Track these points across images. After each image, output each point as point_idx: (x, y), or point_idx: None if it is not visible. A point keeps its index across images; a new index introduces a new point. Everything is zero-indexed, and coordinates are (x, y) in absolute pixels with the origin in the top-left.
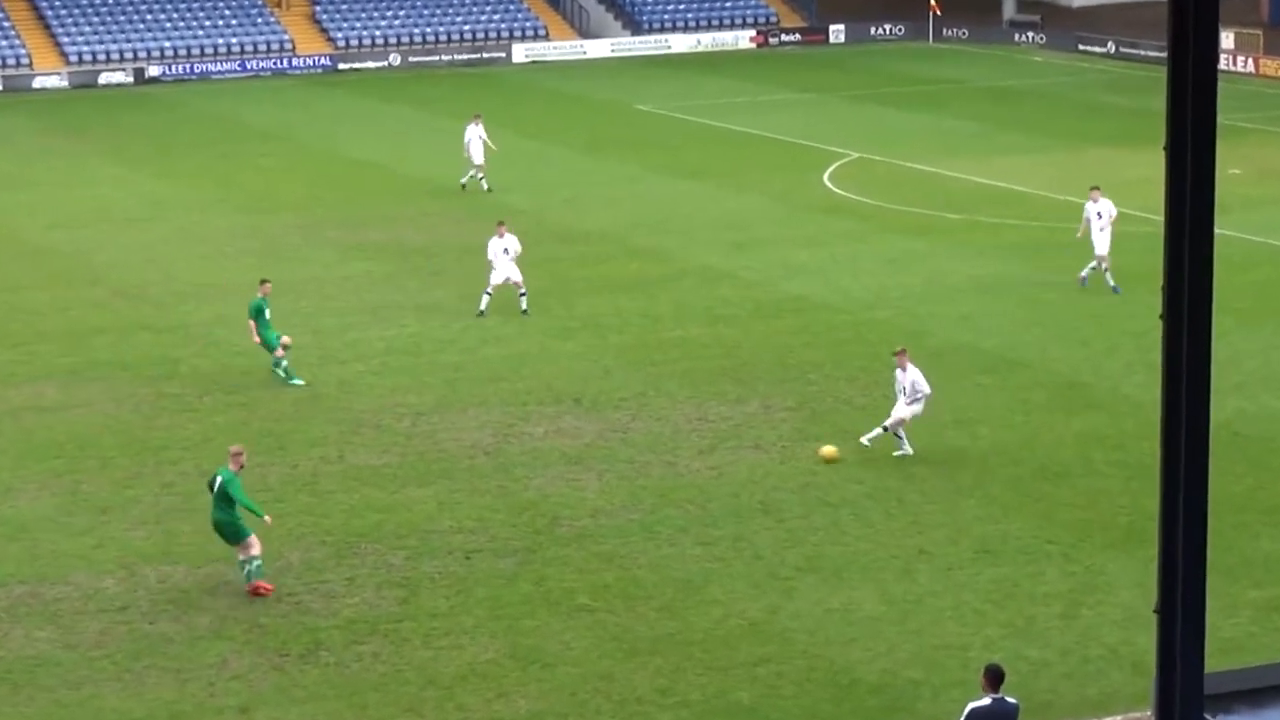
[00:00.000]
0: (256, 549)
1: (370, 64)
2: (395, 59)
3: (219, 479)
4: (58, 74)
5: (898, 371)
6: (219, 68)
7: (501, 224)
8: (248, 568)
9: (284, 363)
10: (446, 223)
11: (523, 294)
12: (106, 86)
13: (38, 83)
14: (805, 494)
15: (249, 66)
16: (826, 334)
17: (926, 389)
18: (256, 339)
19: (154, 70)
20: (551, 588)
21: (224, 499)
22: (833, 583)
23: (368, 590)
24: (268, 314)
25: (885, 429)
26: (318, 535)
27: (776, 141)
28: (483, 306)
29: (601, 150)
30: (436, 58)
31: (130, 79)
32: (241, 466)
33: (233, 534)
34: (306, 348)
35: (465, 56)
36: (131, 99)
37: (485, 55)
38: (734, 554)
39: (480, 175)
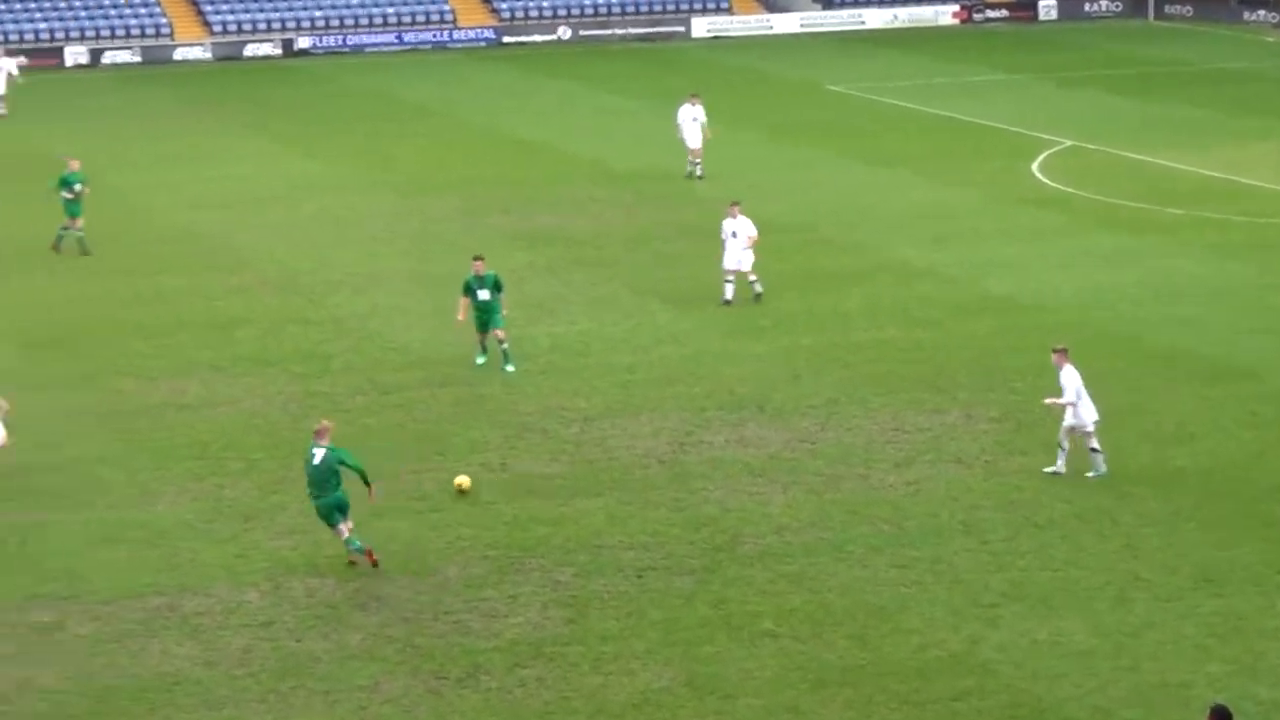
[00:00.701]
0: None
1: (537, 37)
2: (564, 32)
3: (323, 454)
4: (200, 45)
5: (1060, 372)
6: (374, 40)
7: (736, 204)
8: (352, 543)
9: (505, 345)
10: (616, 209)
11: (753, 280)
12: (252, 59)
13: (179, 54)
14: (1010, 513)
15: (406, 39)
16: (1034, 337)
17: (1069, 396)
18: (462, 316)
19: (304, 42)
20: (732, 611)
21: (329, 477)
22: (1040, 611)
23: (532, 610)
24: (482, 294)
25: (1062, 446)
26: (478, 549)
27: (981, 127)
28: (728, 295)
29: (789, 134)
30: (609, 31)
31: (278, 51)
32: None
33: (341, 511)
34: (465, 345)
35: (640, 30)
36: (279, 72)
37: (662, 29)
38: (932, 578)
39: (696, 161)
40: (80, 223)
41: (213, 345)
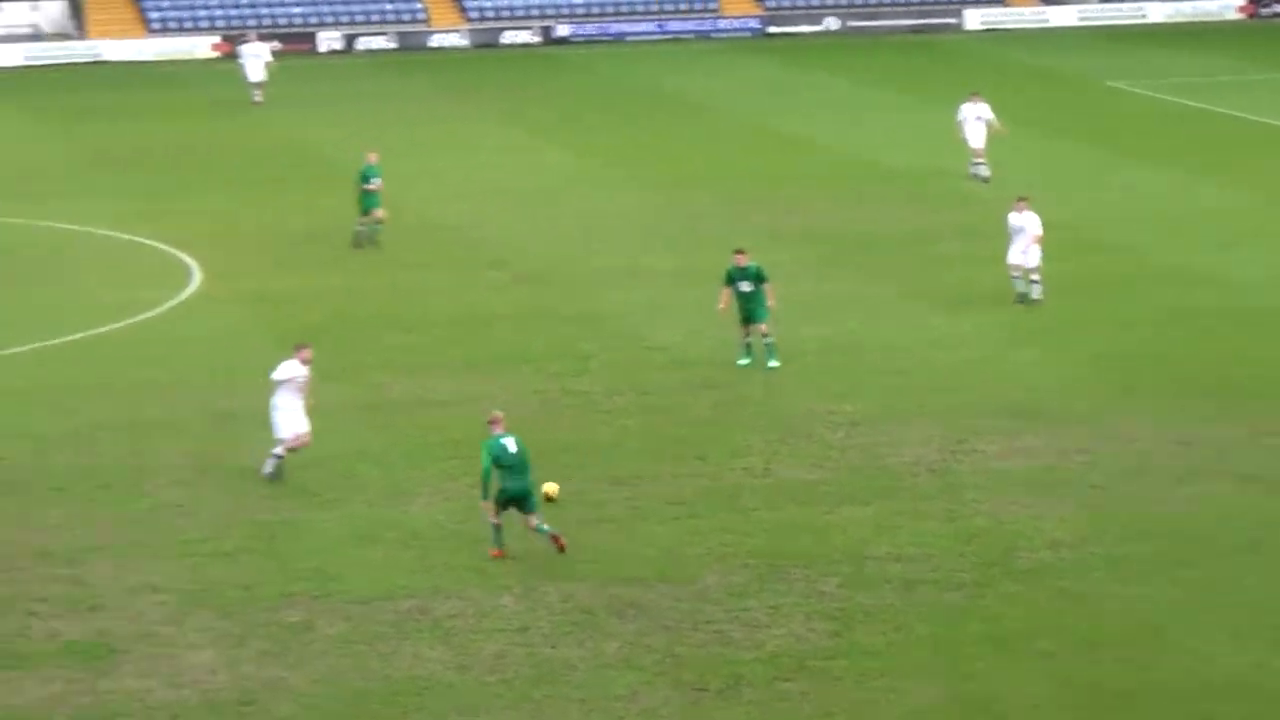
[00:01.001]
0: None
1: (804, 28)
2: (832, 23)
3: (511, 444)
4: (457, 32)
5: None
6: (635, 29)
7: (1023, 199)
8: (542, 529)
9: (769, 339)
10: (887, 208)
11: (1035, 281)
12: (510, 46)
13: (435, 41)
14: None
15: (668, 28)
16: None
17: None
18: (723, 305)
19: (563, 30)
20: (1005, 628)
21: (522, 466)
22: None
23: (795, 621)
24: (744, 285)
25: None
26: (739, 557)
27: (1267, 126)
28: (1020, 289)
29: (1067, 132)
30: (878, 22)
31: (537, 39)
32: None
33: (531, 500)
34: (728, 346)
35: (911, 22)
36: (537, 60)
37: (934, 21)
38: (1214, 598)
39: (979, 161)
40: (380, 213)
41: (468, 341)
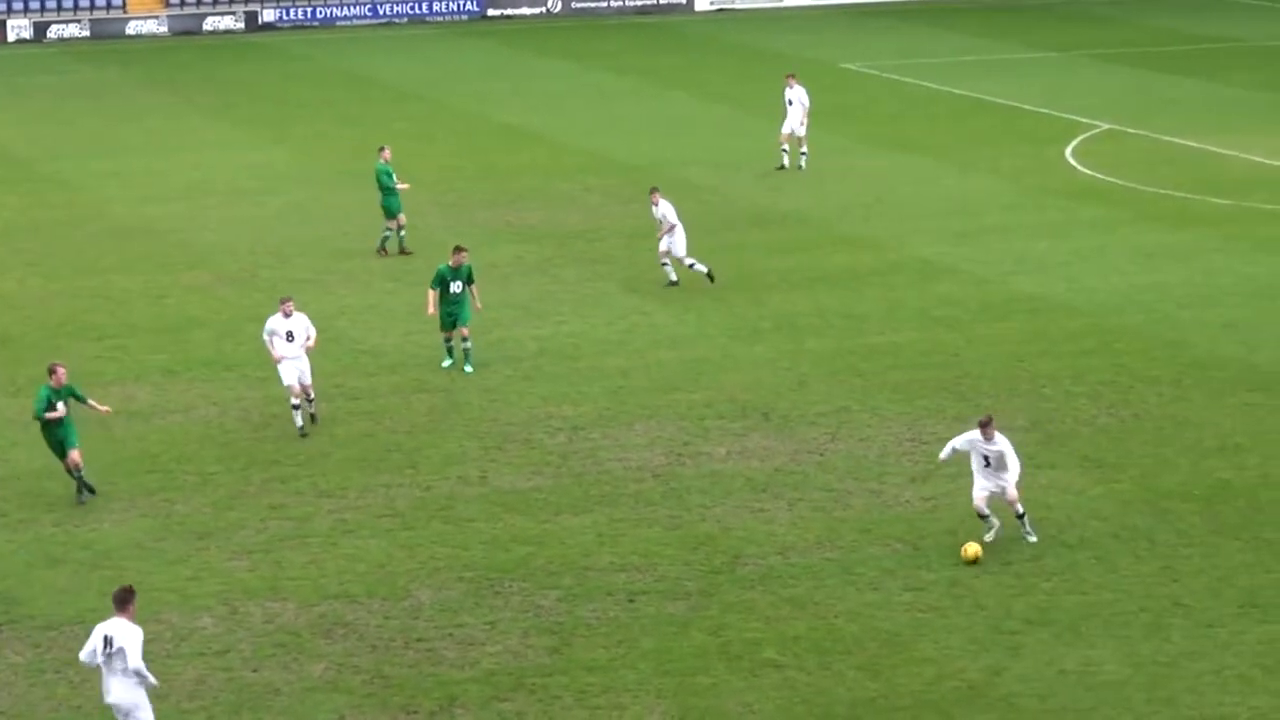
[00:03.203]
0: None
1: (525, 10)
2: (555, 4)
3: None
4: (155, 18)
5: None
6: (345, 13)
7: (655, 189)
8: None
9: (469, 344)
10: (612, 202)
11: (693, 266)
12: (212, 33)
13: (132, 28)
14: (1037, 532)
15: (381, 12)
16: (1065, 342)
17: (1014, 464)
18: (433, 310)
19: (269, 14)
20: (731, 639)
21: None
22: (1067, 639)
23: (512, 637)
24: (454, 286)
25: (1020, 517)
26: (454, 571)
27: (1011, 109)
28: (672, 279)
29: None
30: (604, 4)
31: (240, 24)
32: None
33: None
34: (439, 348)
35: (638, 3)
36: (241, 48)
37: (662, 1)
38: (950, 602)
39: (793, 149)
40: (402, 218)
41: (166, 348)
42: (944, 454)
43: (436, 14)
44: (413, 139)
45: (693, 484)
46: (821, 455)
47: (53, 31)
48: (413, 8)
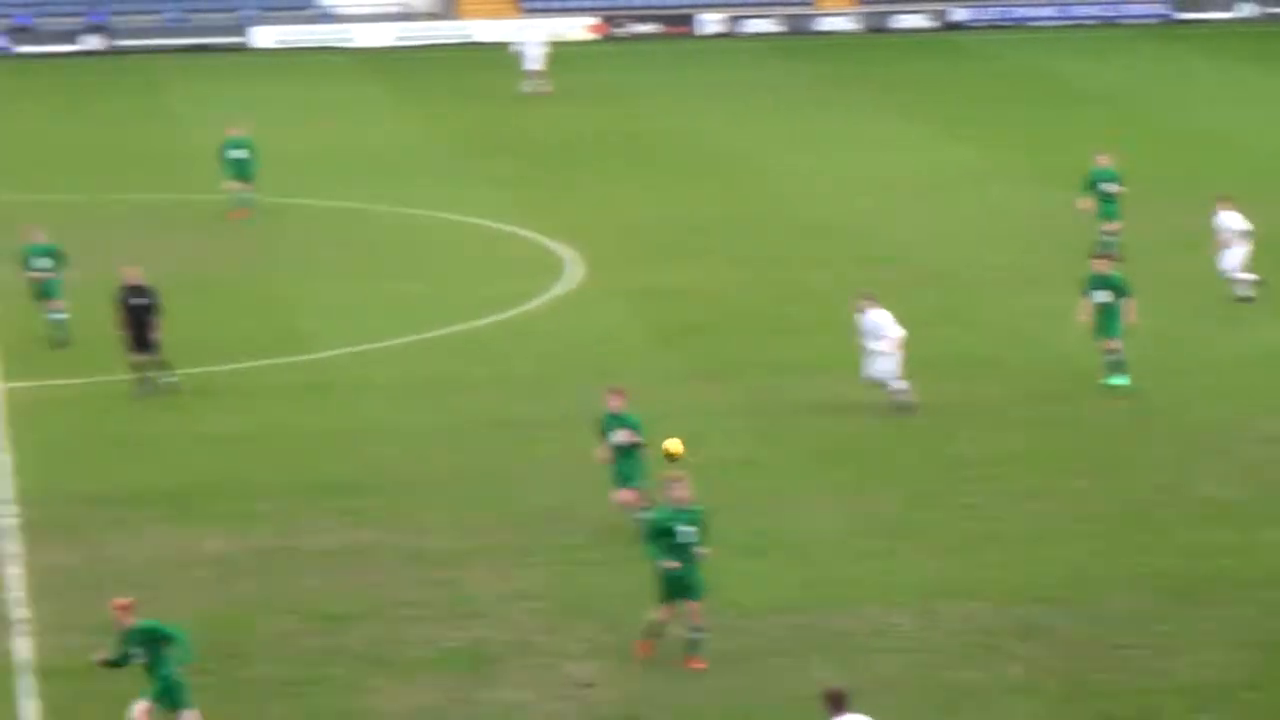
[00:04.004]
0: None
1: (1215, 14)
2: (1247, 9)
3: (680, 523)
4: (845, 15)
5: None
6: (1035, 14)
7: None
8: (698, 636)
9: (1117, 355)
10: None
11: None
12: (902, 31)
13: (823, 24)
14: None
15: (1071, 13)
16: None
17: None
18: (1084, 317)
19: (959, 14)
20: None
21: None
22: None
23: (1212, 650)
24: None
25: None
26: (1150, 579)
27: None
28: None
29: None
30: None
31: (931, 23)
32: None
33: (698, 588)
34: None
35: None
36: (930, 46)
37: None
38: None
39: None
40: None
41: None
42: None
43: (1126, 16)
44: (1100, 142)
45: None
46: None
47: (745, 26)
48: (1102, 10)
